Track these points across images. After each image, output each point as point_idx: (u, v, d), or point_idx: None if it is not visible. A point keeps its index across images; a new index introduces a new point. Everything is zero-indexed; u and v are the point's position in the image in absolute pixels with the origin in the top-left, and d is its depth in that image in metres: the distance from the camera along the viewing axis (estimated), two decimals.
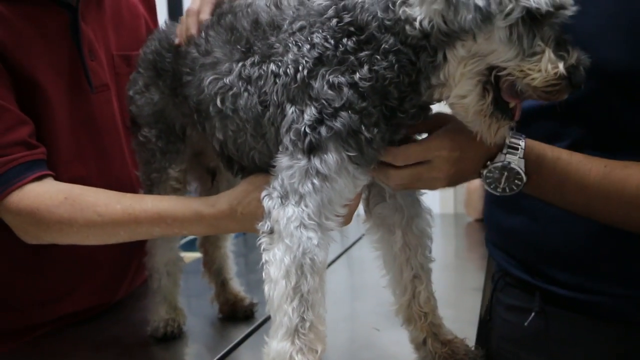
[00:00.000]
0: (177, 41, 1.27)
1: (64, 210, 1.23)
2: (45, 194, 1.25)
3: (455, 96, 1.01)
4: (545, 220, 1.25)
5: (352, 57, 1.01)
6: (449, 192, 3.02)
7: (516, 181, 1.09)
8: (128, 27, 1.57)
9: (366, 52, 1.01)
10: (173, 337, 1.43)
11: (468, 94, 1.00)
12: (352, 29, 1.02)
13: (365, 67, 1.00)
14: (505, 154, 1.08)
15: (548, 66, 0.96)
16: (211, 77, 1.17)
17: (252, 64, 1.11)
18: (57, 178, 1.31)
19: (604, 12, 1.12)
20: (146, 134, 1.36)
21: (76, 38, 1.41)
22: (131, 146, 1.49)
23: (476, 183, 2.51)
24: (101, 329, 1.52)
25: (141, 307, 1.56)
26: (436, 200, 2.91)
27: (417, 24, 0.97)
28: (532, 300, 1.29)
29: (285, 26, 1.09)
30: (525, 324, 1.29)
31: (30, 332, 1.47)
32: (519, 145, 1.08)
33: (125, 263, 1.60)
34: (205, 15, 1.24)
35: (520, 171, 1.08)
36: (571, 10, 0.97)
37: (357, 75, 1.00)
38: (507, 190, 1.10)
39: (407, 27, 0.98)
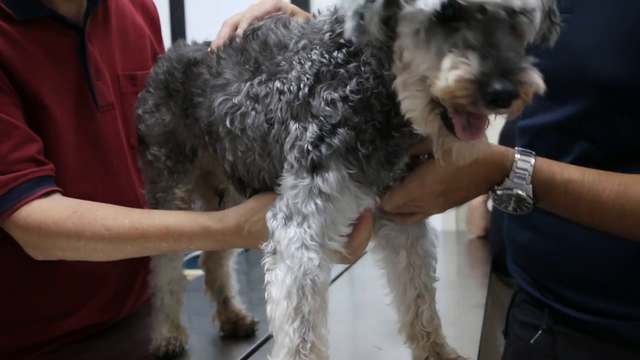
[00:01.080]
0: (211, 47, 1.26)
1: (72, 224, 1.24)
2: (53, 209, 1.26)
3: (406, 110, 0.95)
4: (553, 237, 1.25)
5: (342, 70, 1.02)
6: (451, 209, 3.01)
7: (525, 205, 1.09)
8: (133, 48, 1.58)
9: (354, 64, 1.01)
10: (175, 355, 1.43)
11: (414, 107, 0.94)
12: (342, 40, 1.02)
13: (354, 80, 1.00)
14: (512, 180, 1.08)
15: (448, 74, 0.84)
16: (221, 98, 1.18)
17: (260, 83, 1.12)
18: (64, 196, 1.32)
19: (599, 28, 1.12)
20: (155, 153, 1.36)
21: (83, 58, 1.43)
22: (137, 164, 1.50)
23: (478, 200, 2.52)
24: (104, 347, 1.52)
25: (144, 325, 1.56)
26: (438, 218, 2.90)
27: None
28: (542, 318, 1.29)
29: (291, 45, 1.11)
30: (532, 341, 1.28)
31: (35, 349, 1.47)
32: (527, 170, 1.07)
33: (130, 280, 1.60)
34: (240, 31, 1.23)
35: (528, 198, 1.08)
36: (495, 6, 0.85)
37: (348, 88, 1.01)
38: (518, 211, 1.10)
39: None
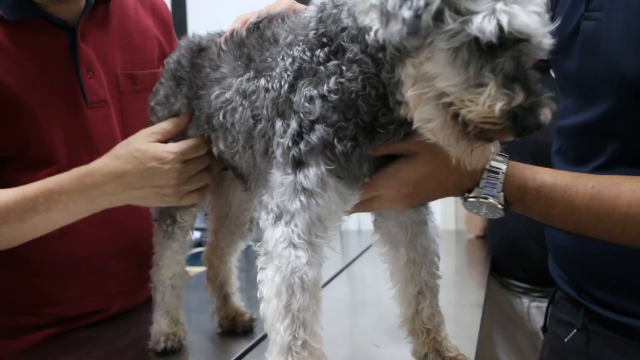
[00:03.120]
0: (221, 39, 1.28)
1: None
2: None
3: (419, 120, 0.96)
4: (588, 239, 1.20)
5: (322, 68, 1.02)
6: (450, 208, 3.02)
7: (497, 211, 1.08)
8: (136, 48, 1.60)
9: (334, 62, 1.01)
10: (173, 351, 1.43)
11: (432, 119, 0.95)
12: (324, 39, 1.03)
13: (332, 79, 1.00)
14: (483, 188, 1.07)
15: (486, 101, 0.88)
16: (217, 92, 1.21)
17: (248, 79, 1.15)
18: None
19: (626, 26, 1.09)
20: None
21: (74, 57, 1.46)
22: None
23: None
24: (103, 341, 1.52)
25: (143, 320, 1.55)
26: (437, 217, 2.92)
27: (372, 33, 0.94)
28: (578, 316, 1.28)
29: (280, 40, 1.12)
30: (566, 339, 1.27)
31: (30, 331, 1.49)
32: (498, 178, 1.07)
33: (105, 269, 1.58)
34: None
35: (499, 205, 1.07)
36: (538, 41, 0.89)
37: (325, 87, 1.01)
38: (490, 216, 1.10)
39: (366, 35, 0.96)
